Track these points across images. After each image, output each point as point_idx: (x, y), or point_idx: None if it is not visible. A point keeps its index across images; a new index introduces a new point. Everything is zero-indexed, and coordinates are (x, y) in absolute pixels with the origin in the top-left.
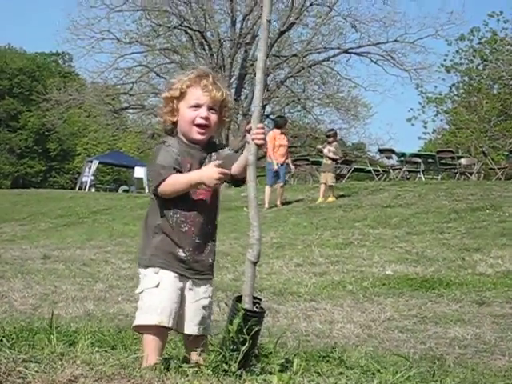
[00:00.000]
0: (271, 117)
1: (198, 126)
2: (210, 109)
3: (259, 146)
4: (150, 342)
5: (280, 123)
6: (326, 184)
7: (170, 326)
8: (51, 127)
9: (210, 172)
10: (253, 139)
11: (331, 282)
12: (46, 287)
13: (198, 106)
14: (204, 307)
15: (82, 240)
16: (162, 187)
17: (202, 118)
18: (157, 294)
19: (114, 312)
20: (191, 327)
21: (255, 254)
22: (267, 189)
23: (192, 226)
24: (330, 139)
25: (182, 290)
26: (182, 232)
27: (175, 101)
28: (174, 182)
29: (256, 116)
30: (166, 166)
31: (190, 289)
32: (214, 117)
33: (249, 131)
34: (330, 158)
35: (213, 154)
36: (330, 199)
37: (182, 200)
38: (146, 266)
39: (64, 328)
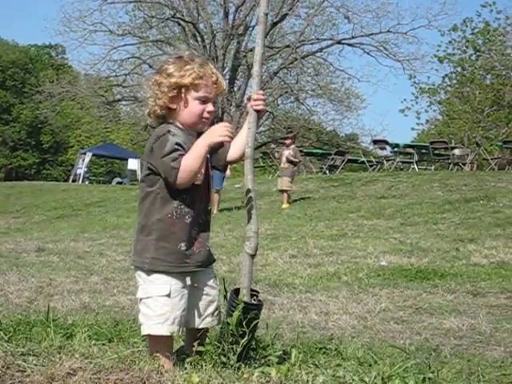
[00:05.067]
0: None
1: (204, 118)
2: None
3: (259, 113)
4: (162, 347)
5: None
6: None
7: (180, 333)
8: (44, 119)
9: (216, 129)
10: (252, 105)
11: (326, 274)
12: (41, 280)
13: (206, 99)
14: (213, 298)
15: (76, 232)
16: (179, 177)
17: (209, 112)
18: (168, 304)
19: (109, 304)
20: (204, 321)
21: (253, 247)
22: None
23: (194, 215)
24: (288, 141)
25: (189, 288)
26: (186, 223)
27: (183, 89)
28: (186, 165)
29: (256, 83)
30: (176, 156)
31: (196, 285)
32: (214, 109)
33: (249, 99)
34: (289, 162)
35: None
36: (284, 206)
37: (186, 189)
38: (149, 271)
39: (61, 321)
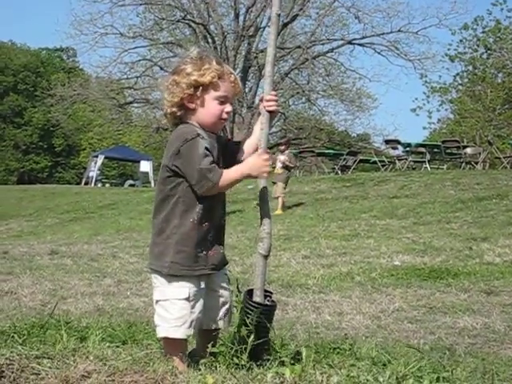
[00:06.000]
0: None
1: (222, 119)
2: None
3: (271, 113)
4: (177, 349)
5: None
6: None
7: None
8: (56, 123)
9: (257, 164)
10: (264, 106)
11: (339, 274)
12: (55, 283)
13: (225, 99)
14: (226, 300)
15: (89, 235)
16: (218, 188)
17: (227, 113)
18: (186, 307)
19: (123, 307)
20: (217, 322)
21: (266, 248)
22: None
23: (213, 219)
24: (282, 147)
25: (204, 290)
26: (205, 228)
27: (200, 88)
28: (222, 180)
29: (268, 83)
30: (211, 166)
31: (211, 287)
32: (232, 109)
33: (262, 100)
34: (284, 167)
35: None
36: (277, 212)
37: (206, 196)
38: (169, 275)
39: (74, 323)
